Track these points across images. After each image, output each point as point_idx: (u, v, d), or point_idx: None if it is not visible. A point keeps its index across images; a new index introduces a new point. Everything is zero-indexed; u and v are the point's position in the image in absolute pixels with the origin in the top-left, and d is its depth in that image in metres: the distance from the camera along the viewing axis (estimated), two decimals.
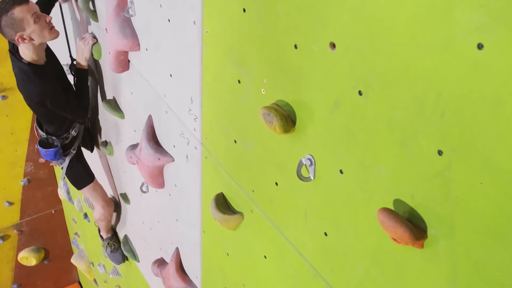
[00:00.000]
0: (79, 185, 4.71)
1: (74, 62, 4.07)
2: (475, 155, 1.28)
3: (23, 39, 3.45)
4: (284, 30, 1.79)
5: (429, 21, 1.28)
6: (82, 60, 3.88)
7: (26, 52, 3.60)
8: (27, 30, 3.41)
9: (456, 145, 1.32)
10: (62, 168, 4.52)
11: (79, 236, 8.48)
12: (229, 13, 2.08)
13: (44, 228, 9.63)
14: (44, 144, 4.25)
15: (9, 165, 8.78)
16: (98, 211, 4.99)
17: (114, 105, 4.08)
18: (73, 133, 4.33)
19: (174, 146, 3.13)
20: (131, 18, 3.12)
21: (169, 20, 2.61)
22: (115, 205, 5.21)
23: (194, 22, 2.36)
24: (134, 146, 3.70)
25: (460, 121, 1.29)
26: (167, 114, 3.05)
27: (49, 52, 3.88)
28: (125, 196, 4.84)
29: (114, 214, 5.38)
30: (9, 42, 3.68)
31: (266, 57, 1.94)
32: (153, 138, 3.38)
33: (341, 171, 1.76)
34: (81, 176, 4.65)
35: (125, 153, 3.81)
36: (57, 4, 4.04)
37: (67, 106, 3.89)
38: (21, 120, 8.41)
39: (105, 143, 4.72)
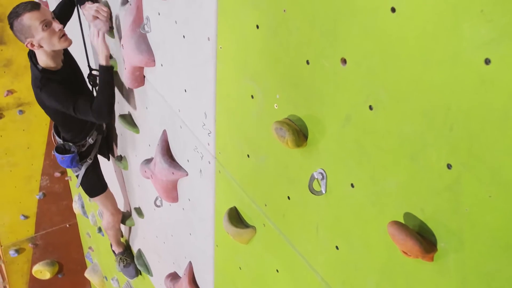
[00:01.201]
0: (92, 194, 4.75)
1: (93, 72, 4.05)
2: (484, 168, 1.29)
3: (32, 45, 3.47)
4: (296, 46, 1.83)
5: (437, 37, 1.31)
6: (101, 57, 3.63)
7: (42, 58, 3.61)
8: (36, 37, 3.42)
9: (465, 159, 1.34)
10: (77, 176, 4.52)
11: (93, 250, 8.52)
12: (243, 29, 2.12)
13: (59, 242, 9.71)
14: (60, 150, 4.24)
15: (25, 179, 8.88)
16: (106, 219, 5.03)
17: (129, 120, 4.13)
18: (90, 141, 4.31)
19: (188, 160, 3.17)
20: (147, 34, 3.17)
21: (184, 36, 2.66)
22: (128, 218, 5.26)
23: (208, 38, 2.41)
24: (148, 161, 3.74)
25: (468, 134, 1.31)
26: (182, 129, 3.09)
27: (68, 57, 3.89)
28: (139, 210, 4.88)
29: (125, 227, 5.42)
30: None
31: (279, 72, 1.98)
32: (167, 152, 3.41)
33: (352, 185, 1.78)
34: (95, 185, 4.67)
35: (139, 168, 3.84)
36: (75, 13, 4.02)
37: (79, 108, 3.71)
38: (37, 135, 8.52)
39: (120, 158, 4.77)
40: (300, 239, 2.19)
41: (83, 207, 7.65)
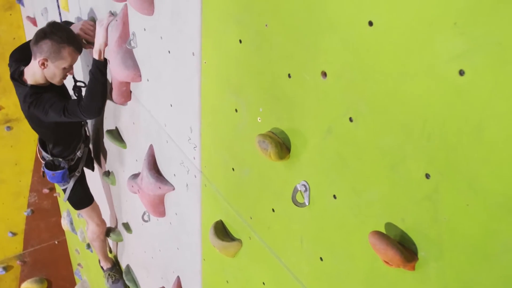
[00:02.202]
0: (79, 206, 4.75)
1: (78, 84, 4.02)
2: (461, 177, 1.32)
3: (44, 65, 3.45)
4: (278, 60, 1.86)
5: (413, 49, 1.33)
6: (97, 49, 3.39)
7: (37, 77, 3.56)
8: (53, 65, 3.44)
9: (443, 169, 1.36)
10: (64, 190, 4.49)
11: (82, 267, 8.47)
12: (226, 44, 2.14)
13: (47, 258, 9.63)
14: (50, 166, 4.20)
15: (13, 196, 8.83)
16: (92, 230, 5.03)
17: (116, 135, 4.14)
18: (79, 154, 4.29)
19: (174, 175, 3.18)
20: (133, 49, 3.19)
21: (169, 51, 2.68)
22: (113, 231, 5.30)
23: (193, 54, 2.43)
24: (135, 176, 3.75)
25: (445, 145, 1.33)
26: (168, 143, 3.10)
27: None
28: (127, 226, 4.87)
29: (113, 243, 5.41)
30: (13, 69, 3.70)
31: (262, 86, 2.00)
32: (154, 167, 3.42)
33: (334, 196, 1.80)
34: (82, 198, 4.68)
35: (127, 182, 3.85)
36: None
37: (69, 108, 3.60)
38: (25, 151, 8.48)
39: (108, 173, 4.77)
40: (285, 251, 2.20)
41: (71, 223, 7.61)
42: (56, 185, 8.42)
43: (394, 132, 1.48)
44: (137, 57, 3.19)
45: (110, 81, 3.59)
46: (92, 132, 4.74)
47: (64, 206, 8.34)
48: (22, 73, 3.64)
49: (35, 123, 3.84)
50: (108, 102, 4.03)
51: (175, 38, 2.59)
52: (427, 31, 1.28)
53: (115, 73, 3.31)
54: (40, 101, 3.58)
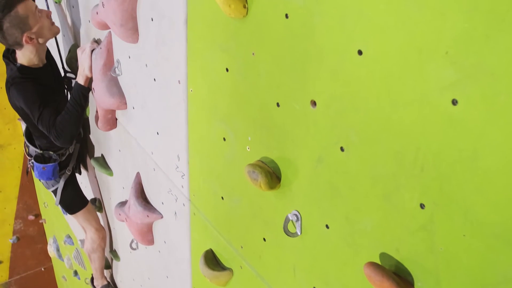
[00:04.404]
0: (73, 209, 4.35)
1: (68, 75, 3.84)
2: (456, 208, 1.30)
3: (31, 38, 3.25)
4: (266, 89, 1.83)
5: (404, 78, 1.32)
6: (81, 74, 3.32)
7: (27, 54, 3.36)
8: (34, 28, 3.22)
9: (437, 199, 1.34)
10: (54, 192, 4.18)
11: None
12: (213, 72, 2.12)
13: (34, 286, 9.53)
14: (40, 159, 3.90)
15: None
16: (91, 238, 4.59)
17: (102, 162, 4.10)
18: (70, 149, 4.02)
19: (162, 203, 3.14)
20: (118, 77, 3.16)
21: (154, 79, 2.66)
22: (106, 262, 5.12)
23: (179, 81, 2.41)
24: (123, 203, 3.70)
25: (439, 175, 1.31)
26: (155, 171, 3.07)
27: (49, 56, 3.67)
28: (115, 253, 4.81)
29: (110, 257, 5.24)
30: (6, 48, 3.47)
31: (250, 115, 1.98)
32: (141, 195, 3.38)
33: (327, 226, 1.77)
34: (75, 199, 4.32)
35: (114, 211, 3.80)
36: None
37: (43, 119, 3.36)
38: (10, 177, 8.42)
39: (94, 200, 4.72)
40: (278, 281, 2.16)
41: (58, 250, 7.53)
42: (42, 208, 8.34)
43: (386, 162, 1.46)
44: (122, 84, 3.16)
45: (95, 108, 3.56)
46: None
47: (51, 232, 8.25)
48: (14, 51, 3.45)
49: (15, 107, 3.53)
50: (94, 129, 3.99)
51: (161, 66, 2.56)
52: (418, 60, 1.27)
53: (100, 101, 3.28)
54: (21, 88, 3.35)
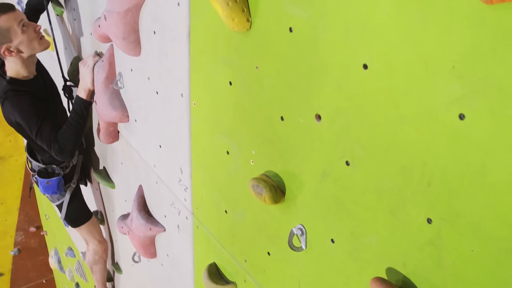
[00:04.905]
0: (77, 223, 4.27)
1: (68, 83, 3.75)
2: (464, 223, 1.28)
3: (10, 51, 3.15)
4: (270, 102, 1.83)
5: (410, 93, 1.31)
6: (83, 88, 3.28)
7: (14, 67, 3.26)
8: (14, 41, 3.13)
9: (445, 214, 1.33)
10: (59, 206, 4.08)
11: None
12: (216, 86, 2.12)
13: None
14: (43, 174, 3.80)
15: None
16: (93, 250, 4.50)
17: (104, 175, 4.09)
18: (73, 161, 3.93)
19: (165, 216, 3.12)
20: (120, 90, 3.15)
21: (157, 92, 2.65)
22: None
23: (181, 95, 2.40)
24: (125, 216, 3.68)
25: (447, 189, 1.30)
26: (158, 184, 3.05)
27: (40, 67, 3.57)
28: (117, 266, 4.78)
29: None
30: None
31: (254, 129, 1.97)
32: (144, 208, 3.37)
33: (332, 240, 1.76)
34: (80, 213, 4.24)
35: (116, 223, 3.78)
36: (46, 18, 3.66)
37: (43, 134, 3.28)
38: (11, 189, 8.42)
39: (96, 213, 4.70)
40: None
41: (59, 262, 7.51)
42: (43, 220, 8.32)
43: (392, 176, 1.44)
44: (125, 97, 3.15)
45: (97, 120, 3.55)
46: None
47: (52, 244, 8.23)
48: (3, 64, 3.35)
49: (11, 122, 3.42)
50: (97, 141, 3.99)
51: (163, 79, 2.56)
52: (424, 75, 1.26)
53: (103, 113, 3.27)
54: (16, 102, 3.24)
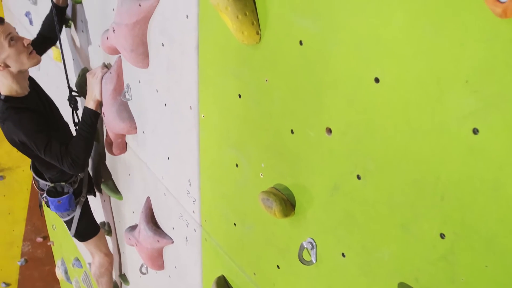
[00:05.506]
0: (86, 237, 4.18)
1: (73, 93, 3.67)
2: (478, 238, 1.27)
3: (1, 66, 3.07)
4: (280, 115, 1.82)
5: (423, 107, 1.30)
6: (92, 98, 3.25)
7: (4, 82, 3.16)
8: (2, 54, 3.05)
9: (458, 228, 1.31)
10: (68, 222, 3.97)
11: None
12: (225, 98, 2.11)
13: None
14: (53, 194, 3.71)
15: (6, 245, 8.76)
16: (99, 262, 4.40)
17: (112, 186, 4.08)
18: (80, 175, 3.85)
19: (173, 228, 3.11)
20: (128, 102, 3.15)
21: (165, 104, 2.65)
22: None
23: (190, 107, 2.40)
24: (132, 228, 3.67)
25: (460, 204, 1.29)
26: (166, 196, 3.04)
27: (33, 83, 3.48)
28: (124, 278, 4.77)
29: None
30: None
31: (263, 141, 1.96)
32: (152, 220, 3.36)
33: (343, 255, 1.74)
34: (89, 227, 4.16)
35: (123, 235, 3.77)
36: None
37: (52, 149, 3.20)
38: (18, 200, 8.44)
39: (104, 224, 4.69)
40: None
41: (66, 272, 7.49)
42: (50, 230, 8.32)
43: (404, 191, 1.43)
44: (133, 109, 3.15)
45: (105, 132, 3.55)
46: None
47: (59, 254, 8.23)
48: None
49: (13, 142, 3.33)
50: (103, 153, 3.98)
51: (172, 91, 2.56)
52: (437, 89, 1.25)
53: (111, 125, 3.27)
54: (17, 120, 3.14)
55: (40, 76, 4.06)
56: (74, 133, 3.63)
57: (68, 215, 3.94)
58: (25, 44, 3.14)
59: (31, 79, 3.44)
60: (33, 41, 3.42)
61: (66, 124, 3.71)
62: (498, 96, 1.12)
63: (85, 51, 3.75)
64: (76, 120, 3.64)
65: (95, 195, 4.31)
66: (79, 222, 3.97)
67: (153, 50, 2.62)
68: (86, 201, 4.03)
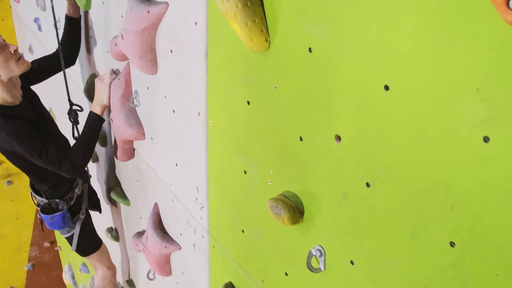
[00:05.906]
0: (87, 253, 4.09)
1: (74, 107, 3.60)
2: (489, 246, 1.26)
3: None
4: (289, 122, 1.81)
5: (433, 115, 1.29)
6: (99, 104, 3.22)
7: None
8: None
9: (469, 237, 1.30)
10: (69, 238, 3.88)
11: None
12: (233, 105, 2.11)
13: None
14: (47, 210, 3.60)
15: (13, 250, 8.76)
16: (102, 275, 4.32)
17: (119, 192, 4.08)
18: (77, 191, 3.71)
19: (181, 234, 3.11)
20: (136, 108, 3.16)
21: (173, 110, 2.65)
22: None
23: (198, 114, 2.40)
24: (140, 234, 3.67)
25: (471, 213, 1.28)
26: (173, 202, 3.04)
27: (29, 93, 3.39)
28: (131, 283, 4.77)
29: None
30: None
31: (272, 148, 1.96)
32: (159, 226, 3.35)
33: (352, 262, 1.73)
34: (91, 243, 4.06)
35: (131, 240, 3.77)
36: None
37: (49, 153, 3.12)
38: (26, 205, 8.43)
39: (111, 229, 4.70)
40: None
41: (73, 277, 7.49)
42: (57, 234, 8.32)
43: (414, 199, 1.42)
44: (141, 115, 3.16)
45: (113, 138, 3.56)
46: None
47: (66, 259, 8.23)
48: None
49: (5, 152, 3.27)
50: (111, 159, 3.99)
51: (180, 98, 2.56)
52: (448, 96, 1.24)
53: (119, 131, 3.28)
54: (10, 128, 3.07)
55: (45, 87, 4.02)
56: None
57: (68, 232, 3.85)
58: (12, 51, 3.08)
59: (27, 89, 3.39)
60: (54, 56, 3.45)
61: (59, 133, 3.63)
62: (509, 104, 1.12)
63: (93, 57, 3.76)
64: (76, 135, 3.57)
65: (100, 211, 4.19)
66: (80, 239, 3.88)
67: (162, 56, 2.62)
68: (87, 217, 3.92)
